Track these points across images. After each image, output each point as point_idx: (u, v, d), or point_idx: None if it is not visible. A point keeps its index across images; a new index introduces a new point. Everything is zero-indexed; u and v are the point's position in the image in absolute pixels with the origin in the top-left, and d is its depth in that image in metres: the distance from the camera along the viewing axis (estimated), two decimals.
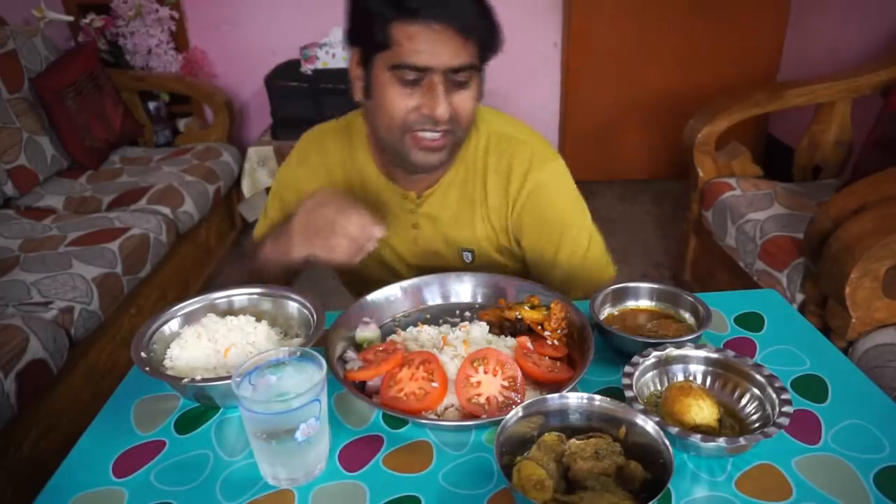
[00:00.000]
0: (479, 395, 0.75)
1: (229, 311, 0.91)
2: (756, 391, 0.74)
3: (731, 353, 0.78)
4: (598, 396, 0.70)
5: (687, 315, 0.90)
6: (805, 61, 2.94)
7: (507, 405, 0.74)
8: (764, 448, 0.70)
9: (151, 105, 3.01)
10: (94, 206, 2.24)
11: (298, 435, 0.66)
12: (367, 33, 0.91)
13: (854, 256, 1.36)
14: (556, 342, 0.85)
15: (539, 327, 0.85)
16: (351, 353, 0.86)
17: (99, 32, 2.89)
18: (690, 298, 0.90)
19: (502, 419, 0.67)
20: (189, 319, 0.88)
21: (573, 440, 0.67)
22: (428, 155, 0.96)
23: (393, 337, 0.89)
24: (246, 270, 1.02)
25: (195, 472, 0.71)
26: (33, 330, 1.49)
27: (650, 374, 0.77)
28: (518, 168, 1.05)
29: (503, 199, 1.07)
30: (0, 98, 2.24)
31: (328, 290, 2.57)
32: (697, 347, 0.79)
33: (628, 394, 0.71)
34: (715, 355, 0.78)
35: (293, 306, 0.91)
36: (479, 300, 0.98)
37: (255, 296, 0.93)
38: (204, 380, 0.76)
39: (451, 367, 0.79)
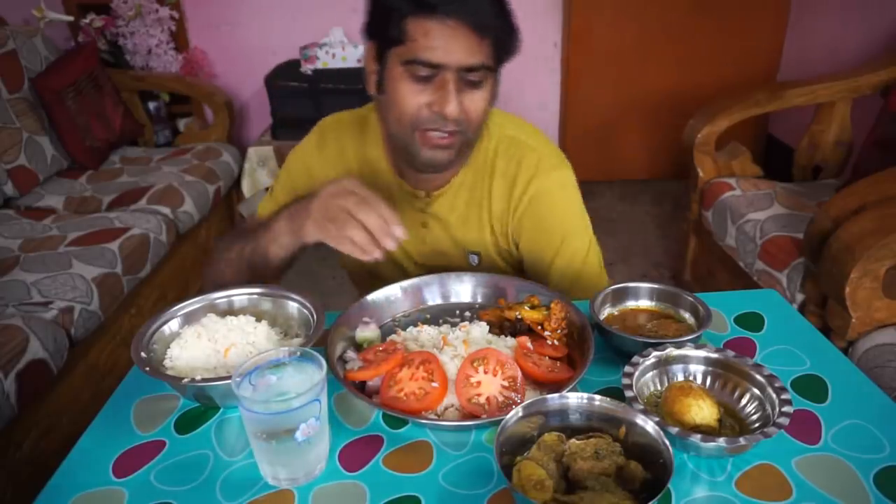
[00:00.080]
0: (479, 395, 0.75)
1: (229, 311, 0.91)
2: (756, 391, 0.74)
3: (731, 353, 0.78)
4: (598, 396, 0.70)
5: (687, 315, 0.90)
6: (805, 61, 2.94)
7: (507, 405, 0.74)
8: (764, 448, 0.70)
9: (151, 105, 3.01)
10: (94, 206, 2.24)
11: (298, 435, 0.66)
12: (383, 27, 0.90)
13: (854, 256, 1.36)
14: (556, 342, 0.85)
15: (539, 327, 0.85)
16: (351, 353, 0.86)
17: (99, 32, 2.89)
18: (690, 298, 0.90)
19: (502, 419, 0.67)
20: (189, 319, 0.88)
21: (573, 440, 0.67)
22: (436, 153, 0.95)
23: (393, 337, 0.89)
24: (244, 247, 0.98)
25: (195, 472, 0.71)
26: (33, 330, 1.49)
27: (650, 374, 0.77)
28: (524, 174, 1.04)
29: (506, 203, 1.07)
30: (0, 98, 2.24)
31: (328, 290, 2.57)
32: (697, 347, 0.79)
33: (628, 394, 0.71)
34: (715, 355, 0.78)
35: (293, 306, 0.91)
36: (479, 300, 0.98)
37: (255, 296, 0.93)
38: (204, 380, 0.76)
39: (451, 367, 0.79)
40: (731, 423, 0.73)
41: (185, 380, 0.76)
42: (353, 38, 2.86)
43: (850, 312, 1.41)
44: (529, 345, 0.82)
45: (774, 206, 1.92)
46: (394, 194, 1.08)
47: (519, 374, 0.77)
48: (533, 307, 0.87)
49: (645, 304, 0.94)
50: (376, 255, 0.85)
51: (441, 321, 0.93)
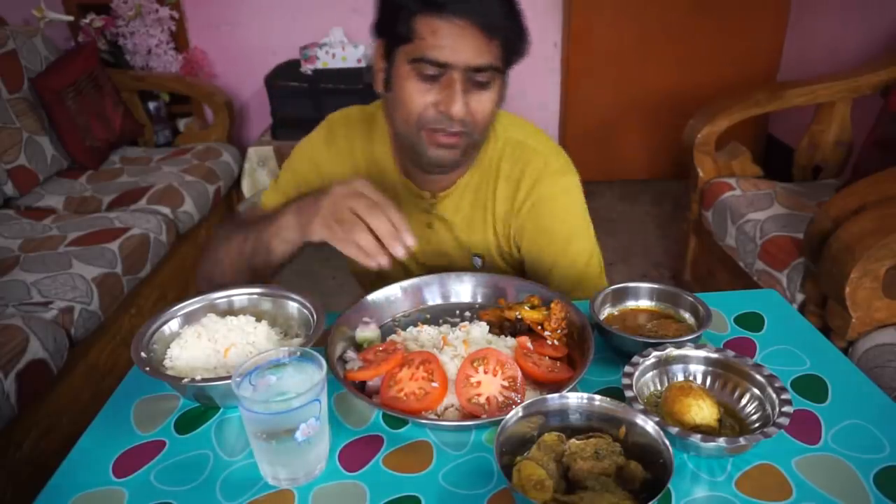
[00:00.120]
0: (479, 395, 0.75)
1: (229, 311, 0.91)
2: (756, 391, 0.74)
3: (731, 353, 0.78)
4: (598, 396, 0.70)
5: (687, 315, 0.90)
6: (805, 61, 2.94)
7: (507, 405, 0.74)
8: (764, 448, 0.70)
9: (151, 105, 3.01)
10: (94, 206, 2.24)
11: (298, 435, 0.66)
12: (391, 25, 0.90)
13: (854, 256, 1.36)
14: (556, 342, 0.85)
15: (539, 327, 0.85)
16: (351, 353, 0.85)
17: (99, 32, 2.89)
18: (690, 298, 0.90)
19: (502, 419, 0.67)
20: (189, 319, 0.88)
21: (573, 440, 0.67)
22: (442, 152, 0.94)
23: (393, 337, 0.89)
24: (245, 238, 0.95)
25: (195, 472, 0.71)
26: (33, 330, 1.50)
27: (650, 374, 0.77)
28: (528, 178, 1.04)
29: (509, 205, 1.06)
30: (0, 98, 2.24)
31: (328, 290, 2.57)
32: (697, 347, 0.79)
33: (628, 394, 0.71)
34: (715, 355, 0.78)
35: (293, 306, 0.91)
36: (479, 300, 0.98)
37: (255, 296, 0.93)
38: (204, 380, 0.76)
39: (451, 367, 0.79)
40: (731, 423, 0.73)
41: (185, 380, 0.76)
42: (353, 38, 2.86)
43: (850, 312, 1.41)
44: (529, 345, 0.82)
45: (774, 206, 1.92)
46: (399, 194, 1.08)
47: (519, 374, 0.77)
48: (533, 307, 0.87)
49: (645, 304, 0.94)
50: (381, 261, 0.81)
51: (441, 321, 0.93)
